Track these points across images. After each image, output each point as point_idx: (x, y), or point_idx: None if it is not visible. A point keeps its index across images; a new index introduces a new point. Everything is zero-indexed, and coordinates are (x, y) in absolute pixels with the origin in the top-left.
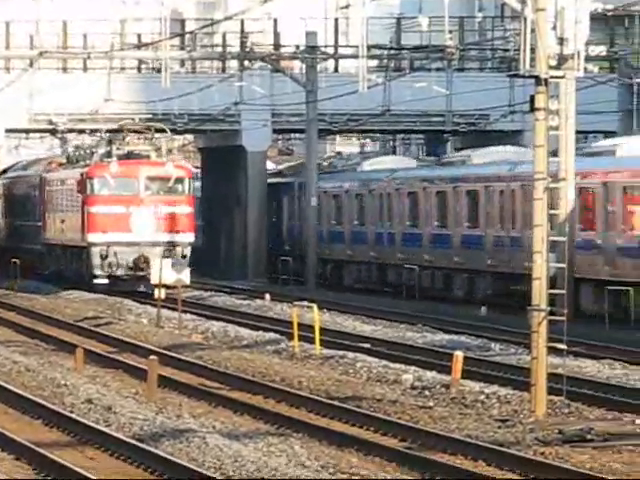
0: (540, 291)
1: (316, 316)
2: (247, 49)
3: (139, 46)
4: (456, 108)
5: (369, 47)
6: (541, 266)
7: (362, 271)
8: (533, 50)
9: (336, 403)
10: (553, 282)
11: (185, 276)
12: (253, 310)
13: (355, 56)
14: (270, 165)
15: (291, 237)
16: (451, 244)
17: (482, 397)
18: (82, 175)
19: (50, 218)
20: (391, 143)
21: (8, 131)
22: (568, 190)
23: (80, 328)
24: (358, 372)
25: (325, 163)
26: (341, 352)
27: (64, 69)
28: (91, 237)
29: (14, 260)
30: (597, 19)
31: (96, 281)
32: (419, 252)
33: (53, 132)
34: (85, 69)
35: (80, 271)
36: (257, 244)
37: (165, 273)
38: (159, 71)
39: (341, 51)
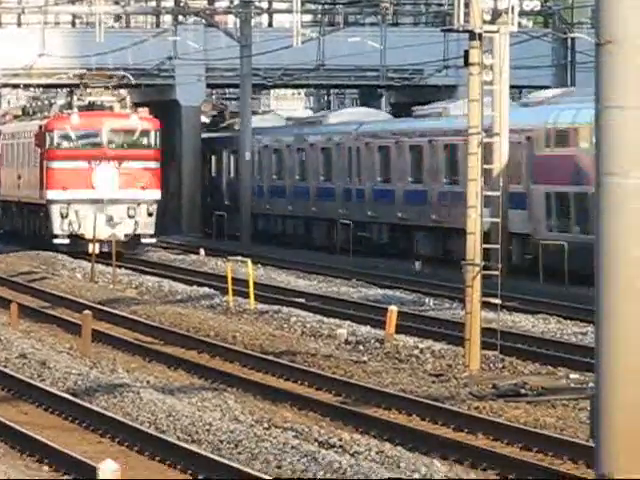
0: (475, 246)
1: (250, 271)
2: (181, 4)
3: (73, 1)
4: (390, 63)
5: (303, 2)
6: (475, 220)
7: (300, 226)
8: (467, 5)
9: (270, 358)
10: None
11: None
12: (187, 265)
13: (289, 11)
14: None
15: (231, 192)
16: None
17: (416, 352)
18: (41, 127)
19: (4, 173)
20: (325, 98)
21: None
22: (502, 144)
23: (14, 283)
24: (292, 327)
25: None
26: (276, 307)
27: None
28: (50, 194)
29: None
30: None
31: (56, 241)
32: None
33: None
34: (19, 24)
35: (39, 230)
36: (191, 199)
37: (99, 228)
38: (93, 26)
39: (275, 6)
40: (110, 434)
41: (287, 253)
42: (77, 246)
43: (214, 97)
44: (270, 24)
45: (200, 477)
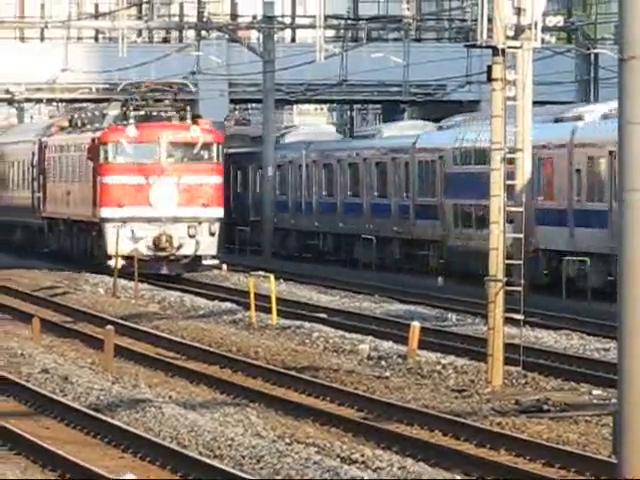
0: (497, 261)
1: (273, 286)
2: (204, 19)
3: (96, 16)
4: (413, 78)
5: (326, 17)
6: (498, 237)
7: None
8: (490, 20)
9: (292, 373)
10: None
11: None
12: (210, 280)
13: (312, 26)
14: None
15: (256, 207)
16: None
17: (439, 367)
18: (94, 140)
19: (51, 189)
20: (348, 113)
21: None
22: (525, 160)
23: (37, 298)
24: (315, 342)
25: None
26: (298, 322)
27: (21, 39)
28: (105, 212)
29: None
30: None
31: (111, 262)
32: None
33: (10, 102)
34: (42, 39)
35: (90, 250)
36: None
37: (121, 243)
38: (116, 41)
39: (298, 21)
40: (132, 449)
41: (308, 268)
42: (133, 268)
43: (237, 112)
44: (293, 39)
45: None
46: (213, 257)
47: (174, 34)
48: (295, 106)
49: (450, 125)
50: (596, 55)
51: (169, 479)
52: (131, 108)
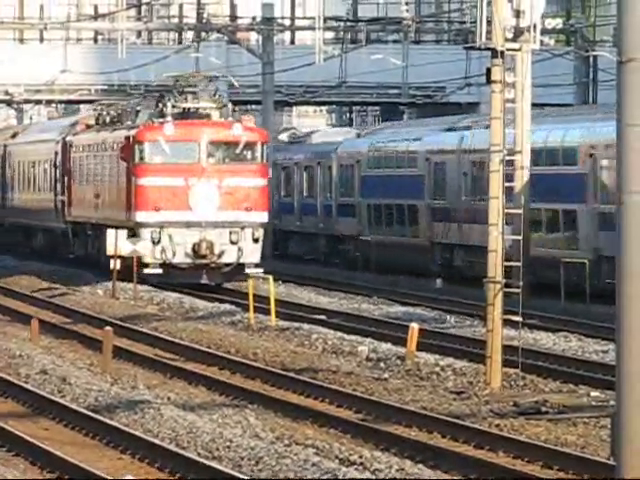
0: (496, 263)
1: (272, 288)
2: (203, 20)
3: (95, 17)
4: (412, 80)
5: (325, 19)
6: (497, 238)
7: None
8: (489, 22)
9: (291, 375)
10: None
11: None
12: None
13: (311, 28)
14: None
15: None
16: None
17: (437, 369)
18: (128, 139)
19: (76, 191)
20: (347, 115)
21: None
22: (523, 162)
23: (35, 299)
24: (313, 344)
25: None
26: (297, 324)
27: (20, 40)
28: (140, 216)
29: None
30: None
31: (146, 271)
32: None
33: (9, 103)
34: (42, 40)
35: (122, 257)
36: None
37: (121, 244)
38: (115, 42)
39: (297, 23)
40: (130, 450)
41: (308, 269)
42: (171, 277)
43: (236, 114)
44: (292, 41)
45: None
46: (257, 265)
47: (173, 35)
48: (294, 108)
49: (367, 133)
50: (595, 57)
51: None
52: (168, 104)
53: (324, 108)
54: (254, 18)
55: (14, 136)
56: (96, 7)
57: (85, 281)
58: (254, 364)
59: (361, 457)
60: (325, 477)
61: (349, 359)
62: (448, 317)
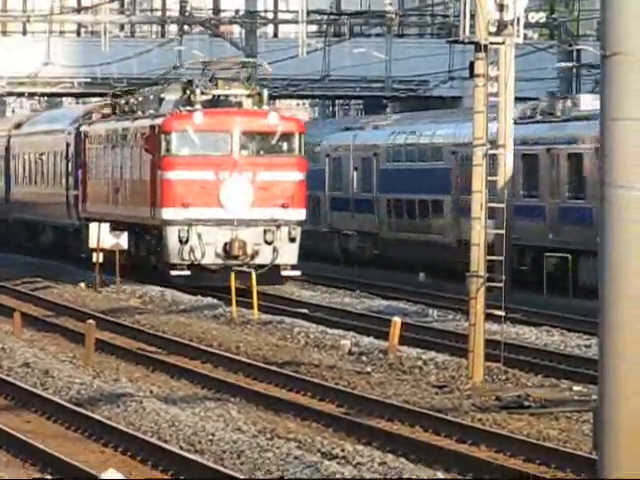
0: (478, 257)
1: (254, 281)
2: (186, 13)
3: (79, 10)
4: (395, 74)
5: (309, 12)
6: (479, 232)
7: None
8: (473, 16)
9: (274, 368)
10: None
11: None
12: None
13: (295, 21)
14: None
15: None
16: None
17: (420, 363)
18: (153, 128)
19: (92, 185)
20: (330, 109)
21: None
22: (507, 157)
23: (18, 292)
24: (296, 337)
25: None
26: (279, 317)
27: (3, 32)
28: (166, 213)
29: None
30: None
31: (173, 272)
32: None
33: None
34: (24, 33)
35: (146, 258)
36: None
37: (103, 237)
38: (98, 35)
39: (281, 16)
40: (113, 443)
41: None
42: (200, 279)
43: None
44: (275, 34)
45: None
46: (293, 267)
47: (156, 28)
48: (277, 101)
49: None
50: (578, 51)
51: (150, 474)
52: (197, 91)
53: (307, 101)
54: (237, 11)
55: (18, 126)
56: (79, 0)
57: (68, 275)
58: (236, 357)
59: (343, 450)
60: (307, 471)
61: (331, 353)
62: (431, 311)
